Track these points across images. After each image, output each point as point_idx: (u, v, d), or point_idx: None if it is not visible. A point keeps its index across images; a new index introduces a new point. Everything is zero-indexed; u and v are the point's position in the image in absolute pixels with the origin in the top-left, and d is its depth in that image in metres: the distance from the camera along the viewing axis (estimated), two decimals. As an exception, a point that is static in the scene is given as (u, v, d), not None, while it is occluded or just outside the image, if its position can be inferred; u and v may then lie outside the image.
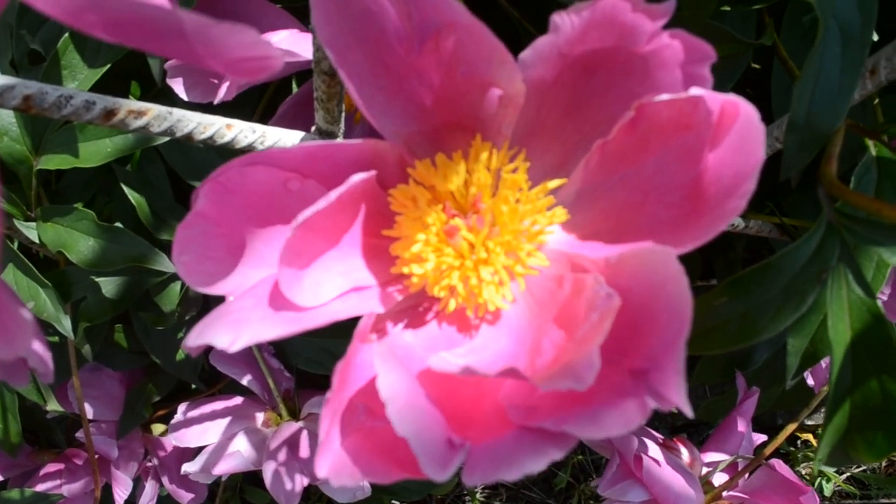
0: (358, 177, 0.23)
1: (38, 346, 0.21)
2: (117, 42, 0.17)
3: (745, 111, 0.20)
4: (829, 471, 0.91)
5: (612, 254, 0.22)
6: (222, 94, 0.37)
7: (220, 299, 0.24)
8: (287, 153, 0.23)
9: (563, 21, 0.21)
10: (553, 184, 0.25)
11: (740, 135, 0.20)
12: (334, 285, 0.24)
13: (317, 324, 0.23)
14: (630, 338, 0.20)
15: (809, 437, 0.89)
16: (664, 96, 0.21)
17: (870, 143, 0.40)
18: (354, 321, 0.24)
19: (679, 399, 0.18)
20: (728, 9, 0.43)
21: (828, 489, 0.88)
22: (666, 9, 0.20)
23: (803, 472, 0.93)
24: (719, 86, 0.22)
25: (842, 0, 0.30)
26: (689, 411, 0.18)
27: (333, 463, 0.20)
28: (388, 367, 0.21)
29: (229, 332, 0.21)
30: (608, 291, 0.20)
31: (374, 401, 0.22)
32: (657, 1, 0.21)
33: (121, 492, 0.57)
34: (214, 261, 0.23)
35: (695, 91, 0.20)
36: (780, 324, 0.28)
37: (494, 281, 0.24)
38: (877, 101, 0.44)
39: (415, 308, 0.26)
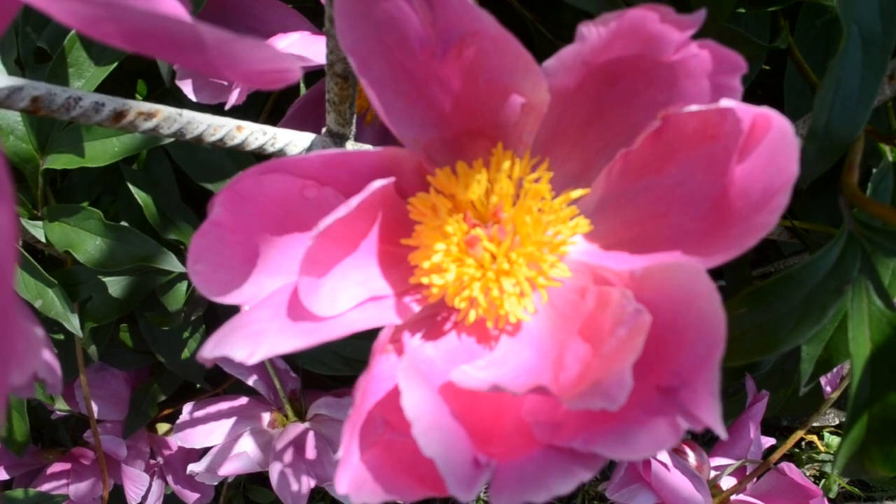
0: (378, 183, 0.23)
1: (47, 357, 0.21)
2: (135, 52, 0.16)
3: (777, 125, 0.19)
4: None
5: (638, 266, 0.22)
6: (234, 99, 0.37)
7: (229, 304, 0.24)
8: (304, 161, 0.23)
9: (590, 32, 0.21)
10: (576, 193, 0.24)
11: (771, 148, 0.20)
12: (352, 294, 0.24)
13: (334, 335, 0.22)
14: (657, 353, 0.20)
15: (814, 438, 0.89)
16: (694, 107, 0.21)
17: (885, 148, 0.39)
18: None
19: (712, 420, 0.18)
20: (743, 11, 0.43)
21: (832, 490, 0.87)
22: (695, 20, 0.20)
23: (807, 474, 0.93)
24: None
25: (864, 6, 0.29)
26: (723, 433, 0.17)
27: (353, 478, 0.20)
28: (411, 384, 0.21)
29: (247, 344, 0.20)
30: (637, 307, 0.20)
31: (392, 413, 0.22)
32: (685, 11, 0.20)
33: (135, 489, 0.57)
34: (230, 270, 0.23)
35: (725, 103, 0.20)
36: (800, 336, 0.28)
37: (516, 292, 0.24)
38: (890, 103, 0.43)
39: (433, 318, 0.25)
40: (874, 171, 0.39)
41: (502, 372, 0.23)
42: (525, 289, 0.24)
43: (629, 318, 0.20)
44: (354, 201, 0.21)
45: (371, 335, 0.23)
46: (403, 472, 0.20)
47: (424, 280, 0.24)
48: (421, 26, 0.21)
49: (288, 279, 0.24)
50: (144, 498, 0.59)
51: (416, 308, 0.25)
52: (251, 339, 0.21)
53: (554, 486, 0.18)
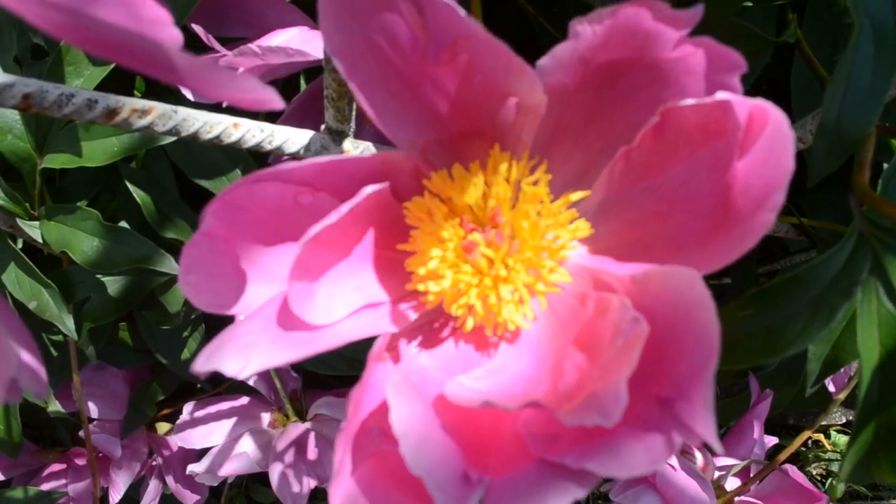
0: (370, 188, 0.22)
1: (31, 363, 0.20)
2: (110, 61, 0.16)
3: (774, 118, 0.19)
4: (840, 470, 0.90)
5: (638, 271, 0.21)
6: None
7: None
8: (297, 169, 0.22)
9: (584, 29, 0.20)
10: (576, 196, 0.24)
11: (769, 143, 0.19)
12: (347, 301, 0.23)
13: (329, 345, 0.22)
14: (655, 362, 0.19)
15: (821, 437, 0.88)
16: (689, 101, 0.20)
17: (897, 144, 0.38)
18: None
19: (708, 433, 0.17)
20: (750, 4, 0.42)
21: (839, 489, 0.87)
22: (691, 16, 0.19)
23: (814, 473, 0.92)
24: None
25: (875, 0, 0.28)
26: (718, 446, 0.17)
27: (346, 494, 0.19)
28: (401, 399, 0.20)
29: (238, 357, 0.20)
30: (634, 316, 0.19)
31: (388, 422, 0.21)
32: (682, 6, 0.20)
33: (114, 495, 0.56)
34: (223, 280, 0.22)
35: (721, 95, 0.19)
36: (807, 338, 0.27)
37: (514, 299, 0.23)
38: (898, 97, 0.42)
39: (430, 324, 0.25)
40: (885, 167, 0.38)
41: (500, 381, 0.22)
42: (523, 295, 0.23)
43: (627, 327, 0.19)
44: (345, 208, 0.21)
45: (373, 336, 0.22)
46: (397, 486, 0.20)
47: (421, 287, 0.23)
48: (410, 30, 0.20)
49: (282, 287, 0.23)
50: (142, 497, 0.58)
51: (413, 315, 0.24)
52: (242, 352, 0.20)
53: (548, 503, 0.17)
